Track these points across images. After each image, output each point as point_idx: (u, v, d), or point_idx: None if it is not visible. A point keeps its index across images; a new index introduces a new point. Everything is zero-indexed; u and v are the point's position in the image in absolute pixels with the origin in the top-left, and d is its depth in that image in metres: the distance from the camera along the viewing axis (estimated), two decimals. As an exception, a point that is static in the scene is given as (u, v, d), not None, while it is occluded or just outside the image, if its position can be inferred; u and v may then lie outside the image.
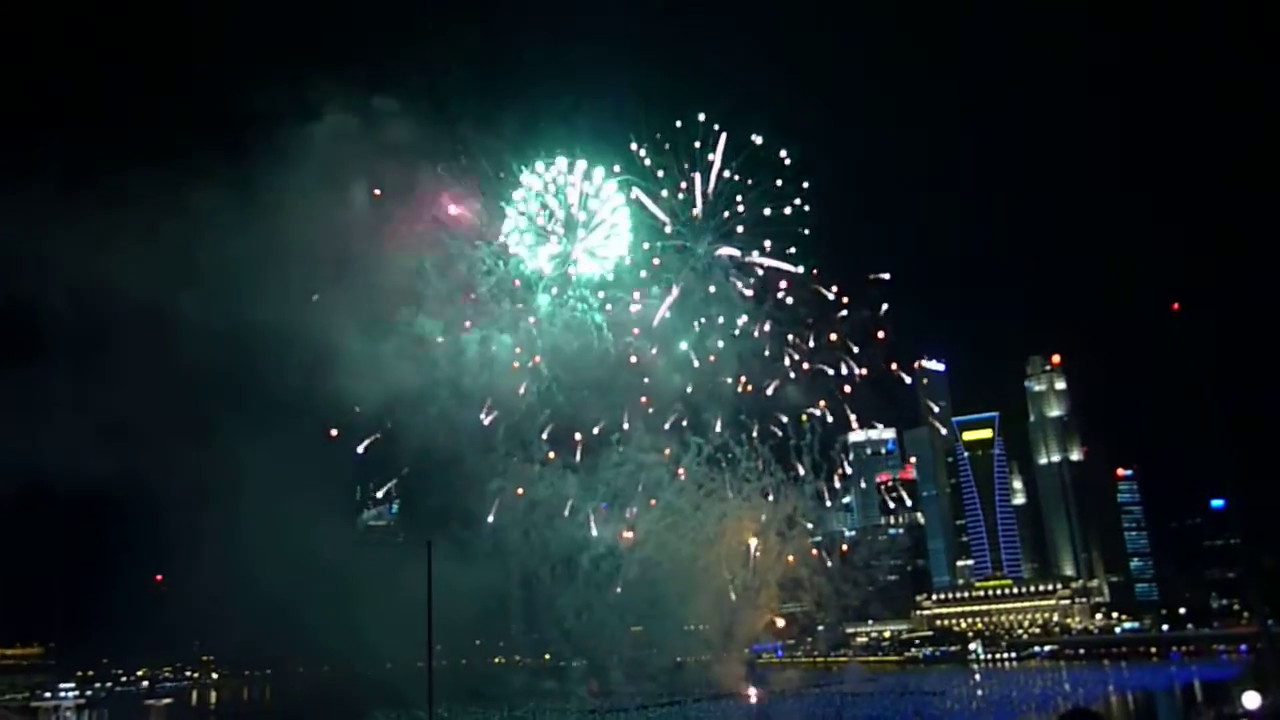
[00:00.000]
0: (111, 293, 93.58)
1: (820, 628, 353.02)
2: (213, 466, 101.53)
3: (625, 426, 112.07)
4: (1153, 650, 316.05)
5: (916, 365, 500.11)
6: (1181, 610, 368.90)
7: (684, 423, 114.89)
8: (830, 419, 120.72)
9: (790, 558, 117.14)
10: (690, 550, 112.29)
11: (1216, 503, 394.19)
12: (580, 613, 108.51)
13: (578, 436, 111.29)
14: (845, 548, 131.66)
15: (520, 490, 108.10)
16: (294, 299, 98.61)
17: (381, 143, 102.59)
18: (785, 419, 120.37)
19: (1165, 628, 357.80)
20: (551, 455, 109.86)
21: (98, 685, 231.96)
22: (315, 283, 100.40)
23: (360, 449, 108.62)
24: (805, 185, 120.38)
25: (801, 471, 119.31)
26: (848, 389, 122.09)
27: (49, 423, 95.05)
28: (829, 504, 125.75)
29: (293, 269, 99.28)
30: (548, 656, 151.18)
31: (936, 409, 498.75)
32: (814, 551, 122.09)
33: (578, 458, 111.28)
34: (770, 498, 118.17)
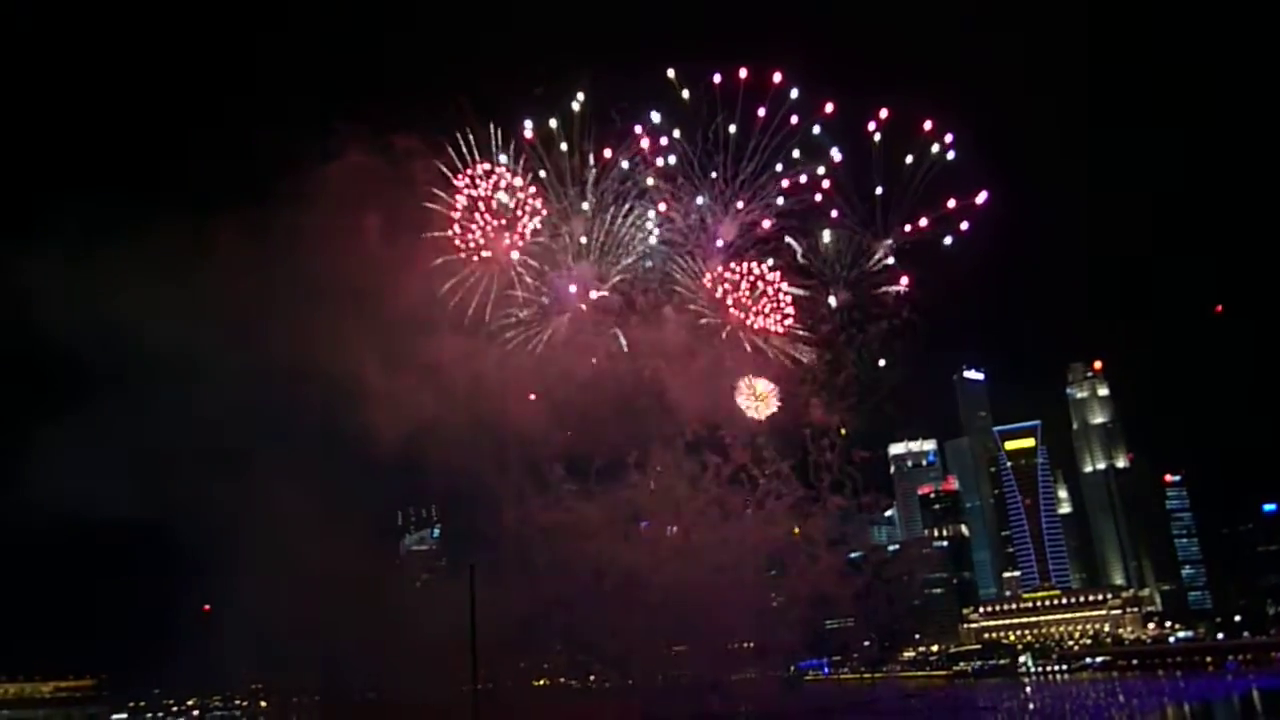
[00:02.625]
0: (144, 335, 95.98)
1: (866, 643, 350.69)
2: (256, 498, 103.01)
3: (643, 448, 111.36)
4: (1208, 659, 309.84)
5: (956, 375, 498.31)
6: (1237, 618, 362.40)
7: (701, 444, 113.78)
8: (844, 431, 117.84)
9: (819, 575, 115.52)
10: (713, 571, 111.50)
11: (1269, 506, 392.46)
12: (615, 633, 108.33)
13: (595, 460, 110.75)
14: (862, 562, 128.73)
15: (537, 513, 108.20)
16: (321, 334, 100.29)
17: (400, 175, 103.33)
18: (808, 433, 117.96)
19: (1220, 636, 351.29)
20: (565, 478, 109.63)
21: (149, 716, 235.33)
22: (339, 318, 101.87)
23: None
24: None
25: (825, 487, 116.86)
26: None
27: (96, 460, 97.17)
28: (847, 519, 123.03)
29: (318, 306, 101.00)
30: (591, 678, 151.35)
31: (977, 419, 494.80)
32: (841, 567, 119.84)
33: (593, 480, 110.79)
34: (793, 514, 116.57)
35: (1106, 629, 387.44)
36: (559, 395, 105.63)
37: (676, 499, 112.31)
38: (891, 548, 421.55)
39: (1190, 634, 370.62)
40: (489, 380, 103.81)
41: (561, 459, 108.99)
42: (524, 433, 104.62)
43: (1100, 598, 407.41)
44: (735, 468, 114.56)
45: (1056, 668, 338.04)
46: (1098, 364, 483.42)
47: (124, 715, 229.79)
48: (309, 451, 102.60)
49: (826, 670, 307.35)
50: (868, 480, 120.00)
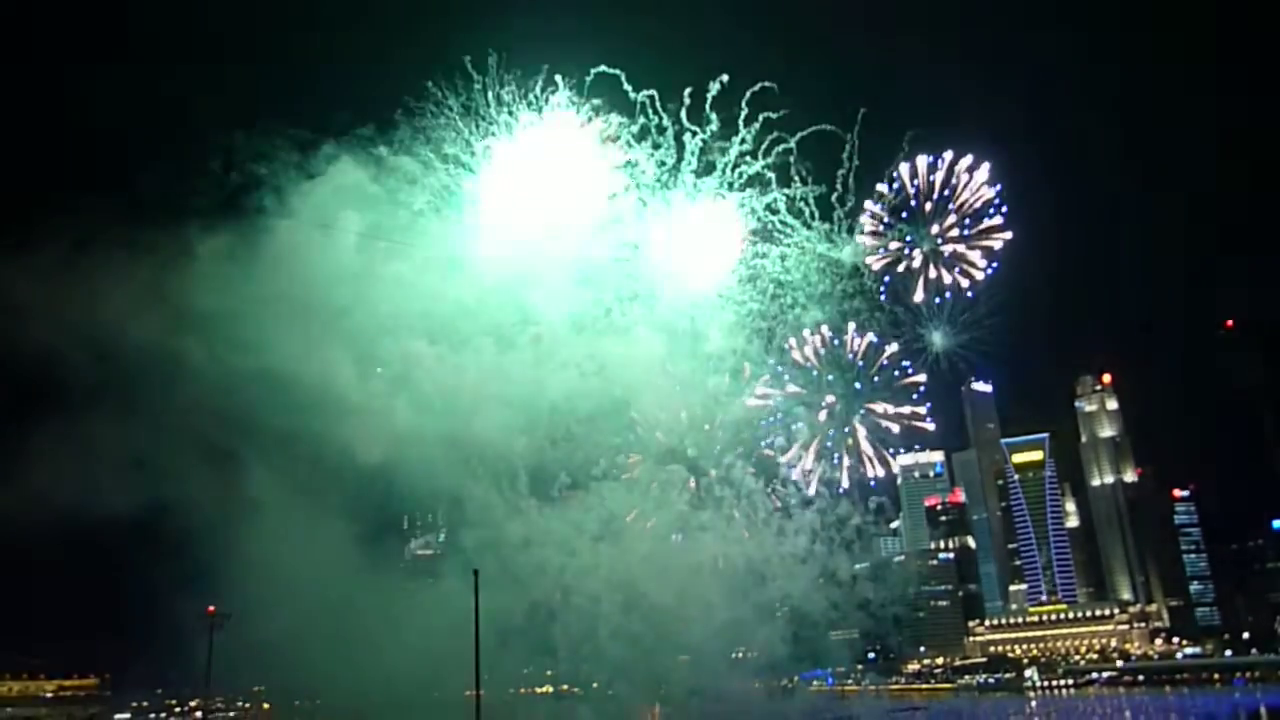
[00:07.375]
0: (137, 343, 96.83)
1: (870, 655, 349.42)
2: (260, 501, 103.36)
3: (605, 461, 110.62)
4: (1215, 676, 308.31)
5: (964, 387, 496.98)
6: (1245, 634, 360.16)
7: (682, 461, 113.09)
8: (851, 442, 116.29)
9: (799, 588, 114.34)
10: (685, 583, 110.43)
11: (1278, 523, 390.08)
12: (607, 641, 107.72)
13: (563, 474, 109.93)
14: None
15: (507, 524, 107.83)
16: (303, 343, 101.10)
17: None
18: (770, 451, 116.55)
19: (1228, 652, 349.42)
20: (531, 493, 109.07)
21: (152, 716, 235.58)
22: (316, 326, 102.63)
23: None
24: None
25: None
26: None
27: (97, 460, 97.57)
28: (843, 529, 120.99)
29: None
30: (596, 685, 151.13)
31: (985, 431, 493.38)
32: (821, 580, 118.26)
33: (561, 493, 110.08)
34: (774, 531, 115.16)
35: (1113, 644, 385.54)
36: (530, 407, 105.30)
37: (646, 511, 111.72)
38: (898, 559, 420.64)
39: (1198, 650, 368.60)
40: (465, 391, 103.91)
41: (529, 470, 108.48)
42: (494, 444, 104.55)
43: (1107, 612, 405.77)
44: (709, 483, 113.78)
45: (1063, 682, 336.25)
46: (1106, 377, 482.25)
47: (126, 715, 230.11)
48: (313, 455, 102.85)
49: (831, 681, 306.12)
50: (862, 492, 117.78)
